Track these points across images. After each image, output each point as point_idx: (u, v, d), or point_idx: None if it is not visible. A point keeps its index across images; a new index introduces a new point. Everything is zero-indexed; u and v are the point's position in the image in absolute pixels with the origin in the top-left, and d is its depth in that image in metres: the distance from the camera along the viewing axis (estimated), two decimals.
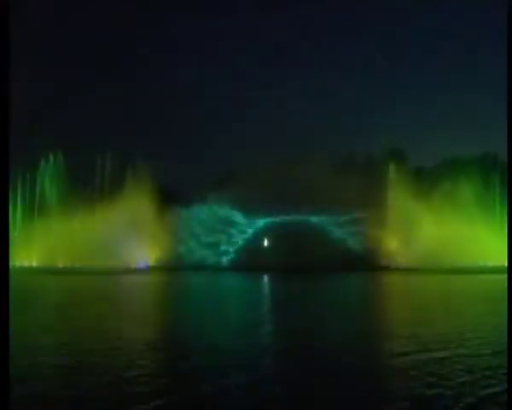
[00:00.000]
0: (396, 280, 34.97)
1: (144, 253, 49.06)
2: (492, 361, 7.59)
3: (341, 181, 46.57)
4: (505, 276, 9.93)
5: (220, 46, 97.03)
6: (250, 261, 46.51)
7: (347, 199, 45.35)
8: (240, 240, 51.05)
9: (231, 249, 50.68)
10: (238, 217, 50.87)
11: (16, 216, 46.75)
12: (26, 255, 46.26)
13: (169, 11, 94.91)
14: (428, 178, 46.94)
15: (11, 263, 42.10)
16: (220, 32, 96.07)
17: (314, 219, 49.20)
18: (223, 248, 50.68)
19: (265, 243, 51.17)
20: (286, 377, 6.84)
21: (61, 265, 46.06)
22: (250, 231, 51.17)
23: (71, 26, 74.92)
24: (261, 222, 50.87)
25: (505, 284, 8.37)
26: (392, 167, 49.26)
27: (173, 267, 44.85)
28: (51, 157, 48.79)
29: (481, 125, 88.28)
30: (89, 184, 48.31)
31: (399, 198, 47.24)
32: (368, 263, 45.46)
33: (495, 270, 40.88)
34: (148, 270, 45.63)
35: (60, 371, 7.04)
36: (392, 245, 48.75)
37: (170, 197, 51.27)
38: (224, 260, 50.06)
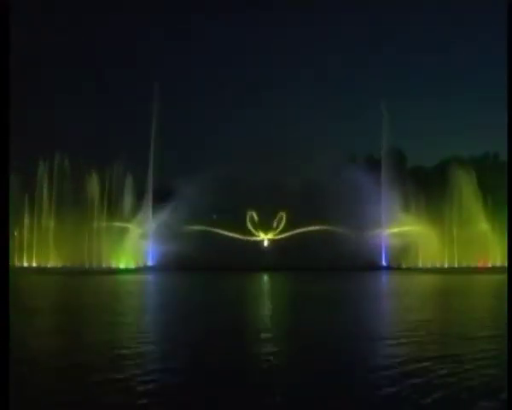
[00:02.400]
0: (405, 280, 35.08)
1: (144, 253, 48.99)
2: None
3: (342, 181, 46.62)
4: (505, 276, 9.93)
5: (221, 46, 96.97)
6: (250, 261, 46.62)
7: (348, 199, 45.39)
8: None
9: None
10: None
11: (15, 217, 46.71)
12: (25, 256, 46.38)
13: (169, 11, 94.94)
14: (429, 178, 46.91)
15: (11, 263, 42.16)
16: (222, 32, 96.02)
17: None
18: None
19: (265, 243, 51.12)
20: None
21: (60, 265, 46.12)
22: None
23: (71, 26, 74.87)
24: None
25: (505, 284, 8.37)
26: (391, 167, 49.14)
27: (173, 267, 44.49)
28: (51, 159, 48.68)
29: (481, 126, 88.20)
30: (87, 186, 48.18)
31: (398, 198, 47.21)
32: (368, 263, 45.49)
33: (495, 270, 40.98)
34: (149, 270, 45.61)
35: None
36: (392, 245, 48.69)
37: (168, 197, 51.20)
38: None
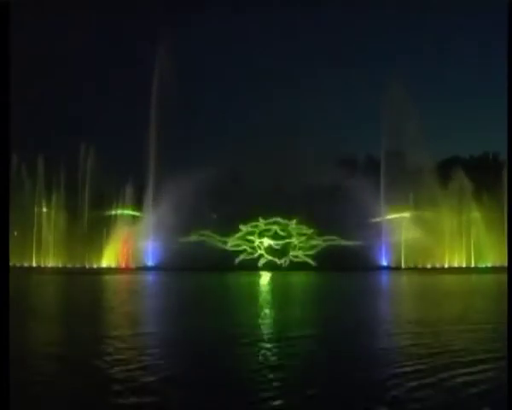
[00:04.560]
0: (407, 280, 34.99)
1: (143, 252, 48.91)
2: None
3: (342, 181, 46.61)
4: (505, 276, 9.93)
5: (220, 46, 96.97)
6: (249, 260, 46.83)
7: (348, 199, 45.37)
8: None
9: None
10: None
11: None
12: (25, 255, 46.40)
13: (169, 11, 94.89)
14: (428, 178, 46.87)
15: (11, 263, 42.15)
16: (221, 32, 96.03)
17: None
18: None
19: (265, 242, 50.96)
20: None
21: (60, 265, 46.16)
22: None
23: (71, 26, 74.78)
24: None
25: (504, 284, 8.37)
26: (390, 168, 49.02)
27: (173, 267, 44.16)
28: (51, 158, 48.70)
29: (481, 126, 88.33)
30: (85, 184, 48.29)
31: (397, 198, 47.20)
32: (367, 263, 45.47)
33: (495, 270, 40.99)
34: (149, 269, 45.51)
35: None
36: (392, 245, 48.65)
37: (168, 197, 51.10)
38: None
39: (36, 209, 47.70)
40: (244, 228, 49.01)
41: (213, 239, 47.95)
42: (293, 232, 49.06)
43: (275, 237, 49.27)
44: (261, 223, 49.16)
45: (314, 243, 48.26)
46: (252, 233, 49.34)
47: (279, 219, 48.89)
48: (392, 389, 5.69)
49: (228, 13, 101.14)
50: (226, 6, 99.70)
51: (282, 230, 49.05)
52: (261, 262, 47.87)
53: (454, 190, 46.62)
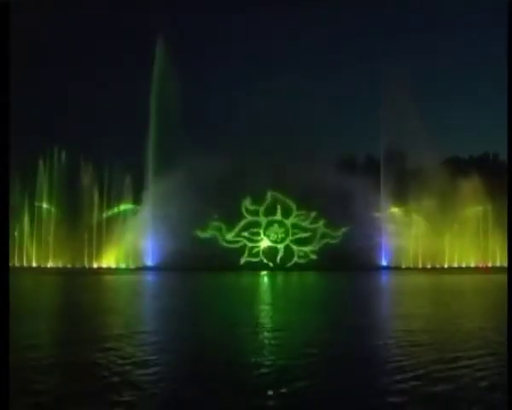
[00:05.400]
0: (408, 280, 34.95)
1: (143, 252, 48.85)
2: None
3: (342, 181, 46.58)
4: (505, 276, 9.95)
5: (219, 46, 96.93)
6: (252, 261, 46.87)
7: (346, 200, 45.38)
8: None
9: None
10: None
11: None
12: (24, 255, 46.41)
13: (169, 11, 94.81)
14: (428, 178, 46.85)
15: (11, 263, 42.13)
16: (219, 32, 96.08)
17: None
18: None
19: (264, 242, 50.91)
20: None
21: (60, 265, 46.13)
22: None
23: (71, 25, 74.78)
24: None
25: (505, 284, 8.39)
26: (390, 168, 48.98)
27: (174, 267, 44.04)
28: (51, 156, 48.69)
29: (481, 126, 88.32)
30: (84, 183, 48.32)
31: (398, 198, 47.22)
32: (367, 263, 45.44)
33: (495, 270, 41.02)
34: (148, 270, 45.42)
35: None
36: (392, 245, 48.65)
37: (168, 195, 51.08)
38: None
39: (36, 209, 47.73)
40: (248, 205, 48.96)
41: (221, 235, 48.04)
42: (295, 220, 49.15)
43: (275, 239, 49.27)
44: (264, 204, 49.05)
45: (312, 226, 48.35)
46: (254, 225, 49.15)
47: (279, 195, 48.83)
48: None
49: (228, 13, 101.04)
50: (226, 6, 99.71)
51: (282, 224, 49.09)
52: (263, 262, 47.84)
53: (454, 190, 46.58)
